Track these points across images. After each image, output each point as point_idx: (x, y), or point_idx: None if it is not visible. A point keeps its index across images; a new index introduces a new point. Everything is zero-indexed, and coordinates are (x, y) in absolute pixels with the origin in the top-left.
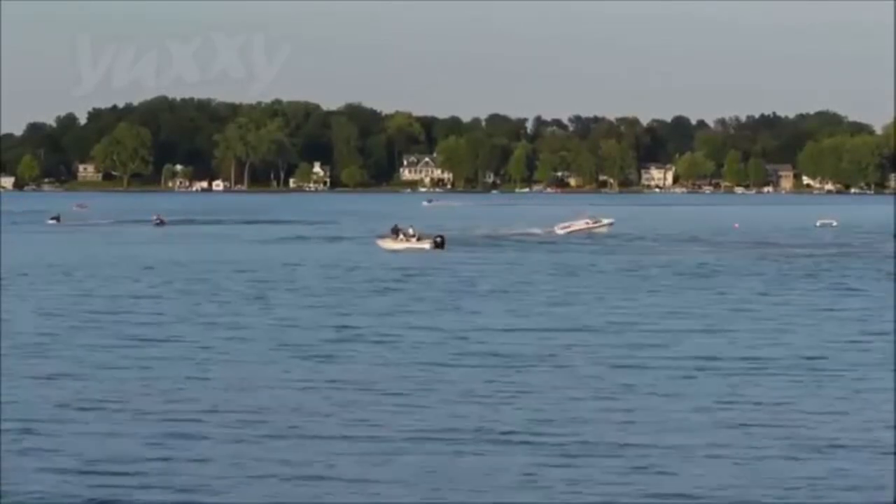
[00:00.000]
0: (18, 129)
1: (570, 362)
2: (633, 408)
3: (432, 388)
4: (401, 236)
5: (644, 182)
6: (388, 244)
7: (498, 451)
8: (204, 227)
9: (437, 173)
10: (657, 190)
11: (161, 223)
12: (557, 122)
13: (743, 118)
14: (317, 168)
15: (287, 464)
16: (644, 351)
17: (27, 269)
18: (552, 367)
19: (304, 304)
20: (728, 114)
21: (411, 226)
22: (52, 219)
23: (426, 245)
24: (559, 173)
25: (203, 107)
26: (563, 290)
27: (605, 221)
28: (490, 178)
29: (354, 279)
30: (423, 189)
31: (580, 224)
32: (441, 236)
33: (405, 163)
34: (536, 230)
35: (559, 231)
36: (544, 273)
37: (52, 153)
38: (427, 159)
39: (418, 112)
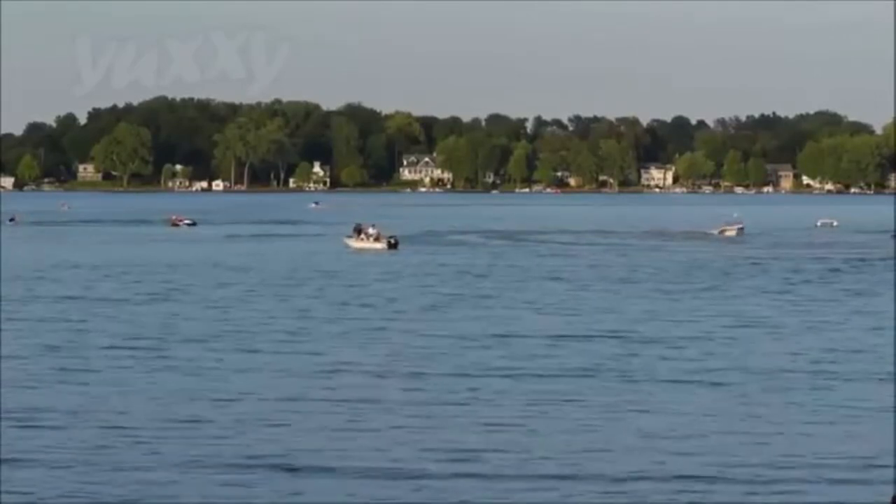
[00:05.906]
0: (18, 129)
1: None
2: None
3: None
4: (362, 236)
5: (644, 182)
6: (352, 243)
7: None
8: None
9: (437, 173)
10: (657, 190)
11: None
12: (557, 122)
13: (743, 118)
14: (317, 168)
15: None
16: None
17: None
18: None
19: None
20: (728, 114)
21: (372, 225)
22: (10, 220)
23: (381, 245)
24: (559, 173)
25: (203, 107)
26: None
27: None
28: (490, 178)
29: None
30: (422, 189)
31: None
32: (394, 237)
33: (405, 163)
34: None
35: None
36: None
37: (52, 153)
38: (427, 159)
39: (418, 112)
